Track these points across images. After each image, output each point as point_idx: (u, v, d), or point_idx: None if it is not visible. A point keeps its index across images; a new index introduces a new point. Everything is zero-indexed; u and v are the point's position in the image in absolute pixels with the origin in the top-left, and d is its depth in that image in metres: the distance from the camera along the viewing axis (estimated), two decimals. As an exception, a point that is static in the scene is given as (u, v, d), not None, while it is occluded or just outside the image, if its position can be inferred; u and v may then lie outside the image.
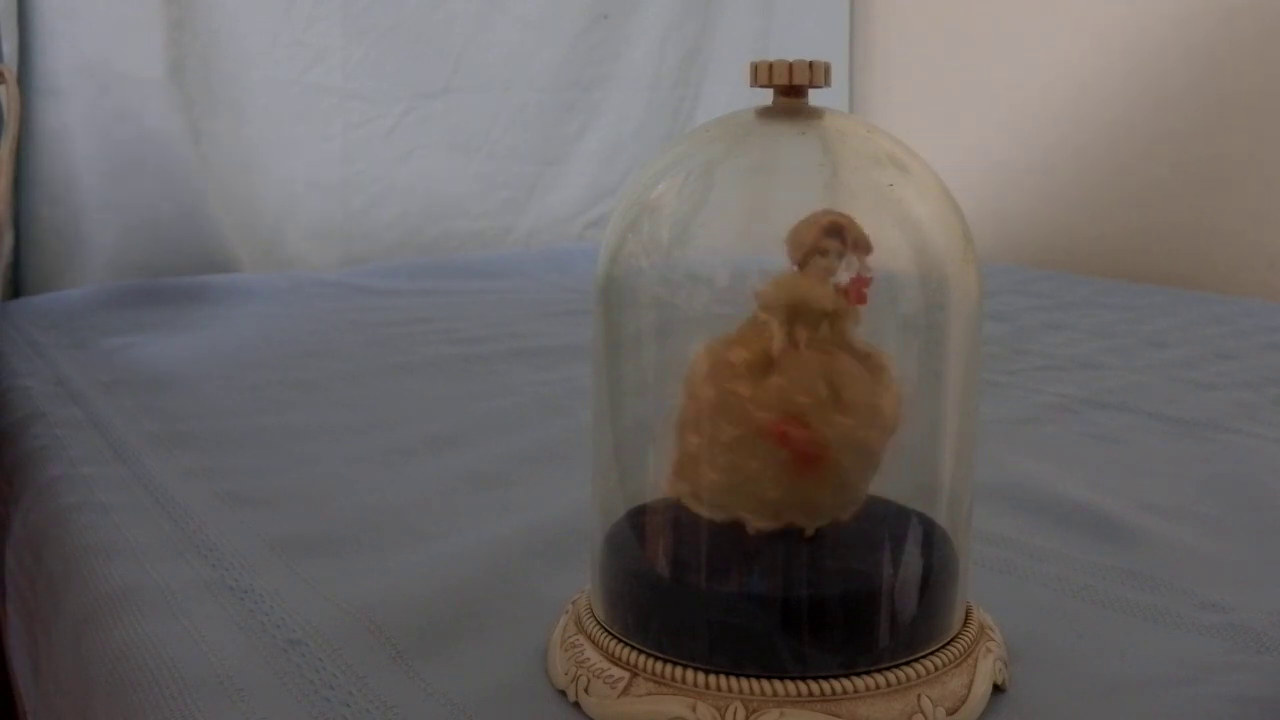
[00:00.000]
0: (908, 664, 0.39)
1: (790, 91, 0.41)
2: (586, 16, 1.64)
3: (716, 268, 0.41)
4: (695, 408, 0.39)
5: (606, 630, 0.41)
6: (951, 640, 0.41)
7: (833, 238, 0.38)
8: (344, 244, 1.51)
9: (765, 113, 0.42)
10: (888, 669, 0.38)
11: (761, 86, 0.41)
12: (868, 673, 0.38)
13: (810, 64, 0.40)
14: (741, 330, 0.39)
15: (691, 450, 0.39)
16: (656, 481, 0.42)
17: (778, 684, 0.37)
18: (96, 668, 0.46)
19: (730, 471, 0.38)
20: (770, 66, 0.40)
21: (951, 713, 0.38)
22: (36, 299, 1.23)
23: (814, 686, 0.37)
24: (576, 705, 0.40)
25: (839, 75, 1.82)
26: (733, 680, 0.38)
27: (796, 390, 0.38)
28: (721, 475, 0.39)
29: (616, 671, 0.39)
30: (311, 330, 1.11)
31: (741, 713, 0.37)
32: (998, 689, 0.41)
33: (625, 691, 0.39)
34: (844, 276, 0.38)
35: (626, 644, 0.40)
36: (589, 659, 0.40)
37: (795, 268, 0.38)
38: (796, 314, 0.38)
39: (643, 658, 0.39)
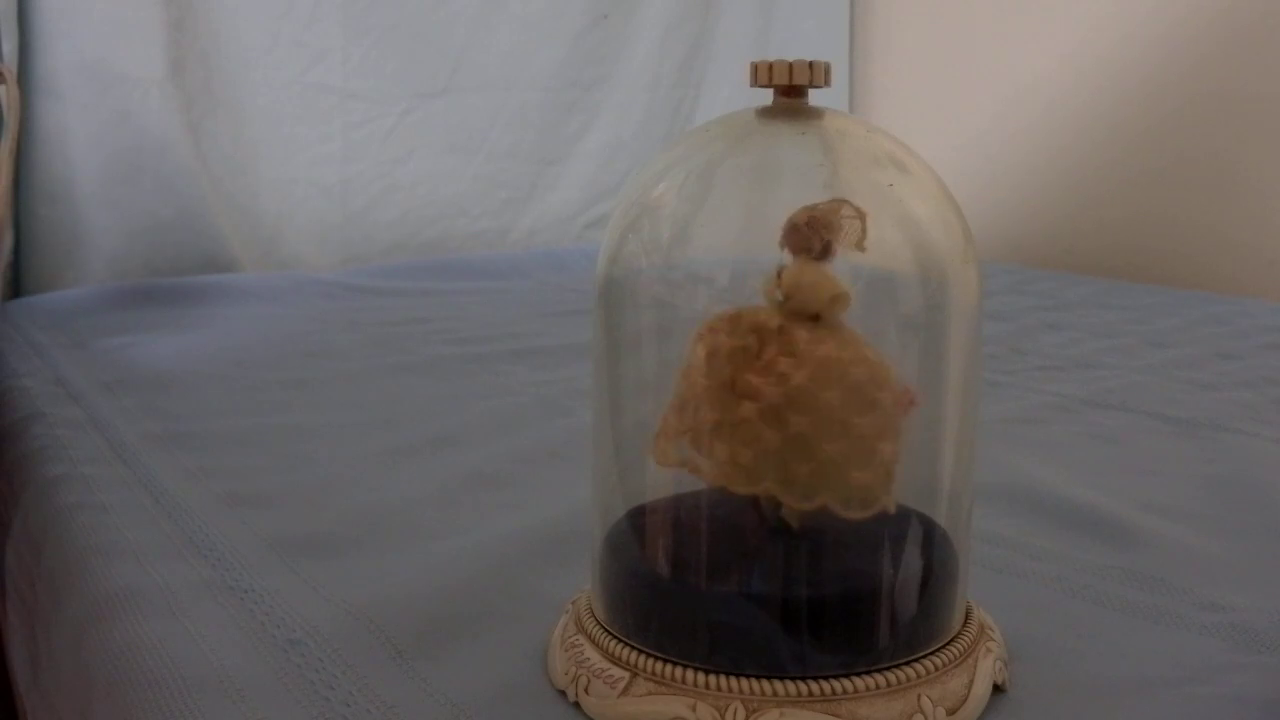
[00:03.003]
0: (908, 664, 0.39)
1: (790, 91, 0.41)
2: (586, 16, 1.64)
3: (716, 268, 0.41)
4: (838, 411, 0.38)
5: (606, 630, 0.41)
6: (951, 640, 0.41)
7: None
8: (344, 244, 1.51)
9: (765, 113, 0.42)
10: (888, 669, 0.38)
11: (761, 86, 0.41)
12: (868, 673, 0.38)
13: (810, 64, 0.40)
14: (793, 332, 0.39)
15: (769, 445, 0.38)
16: (654, 482, 0.42)
17: (778, 684, 0.37)
18: (96, 668, 0.46)
19: (872, 458, 0.39)
20: (770, 66, 0.40)
21: (951, 713, 0.38)
22: (36, 299, 1.23)
23: (814, 686, 0.37)
24: (576, 705, 0.40)
25: (839, 75, 1.82)
26: (733, 680, 0.38)
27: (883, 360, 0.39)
28: (868, 471, 0.39)
29: (616, 671, 0.39)
30: (311, 330, 1.11)
31: (741, 713, 0.37)
32: (998, 689, 0.41)
33: (625, 691, 0.39)
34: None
35: (626, 644, 0.40)
36: (589, 659, 0.40)
37: (805, 255, 0.39)
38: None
39: (643, 658, 0.39)
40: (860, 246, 0.38)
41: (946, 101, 1.73)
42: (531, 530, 0.56)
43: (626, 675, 0.39)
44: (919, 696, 0.38)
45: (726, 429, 0.38)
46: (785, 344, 0.38)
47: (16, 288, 1.29)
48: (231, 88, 1.40)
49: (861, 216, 0.38)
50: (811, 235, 0.38)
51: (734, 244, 0.41)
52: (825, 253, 0.38)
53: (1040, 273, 1.48)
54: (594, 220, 1.68)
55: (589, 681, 0.40)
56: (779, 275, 0.39)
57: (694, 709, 0.37)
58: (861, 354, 0.38)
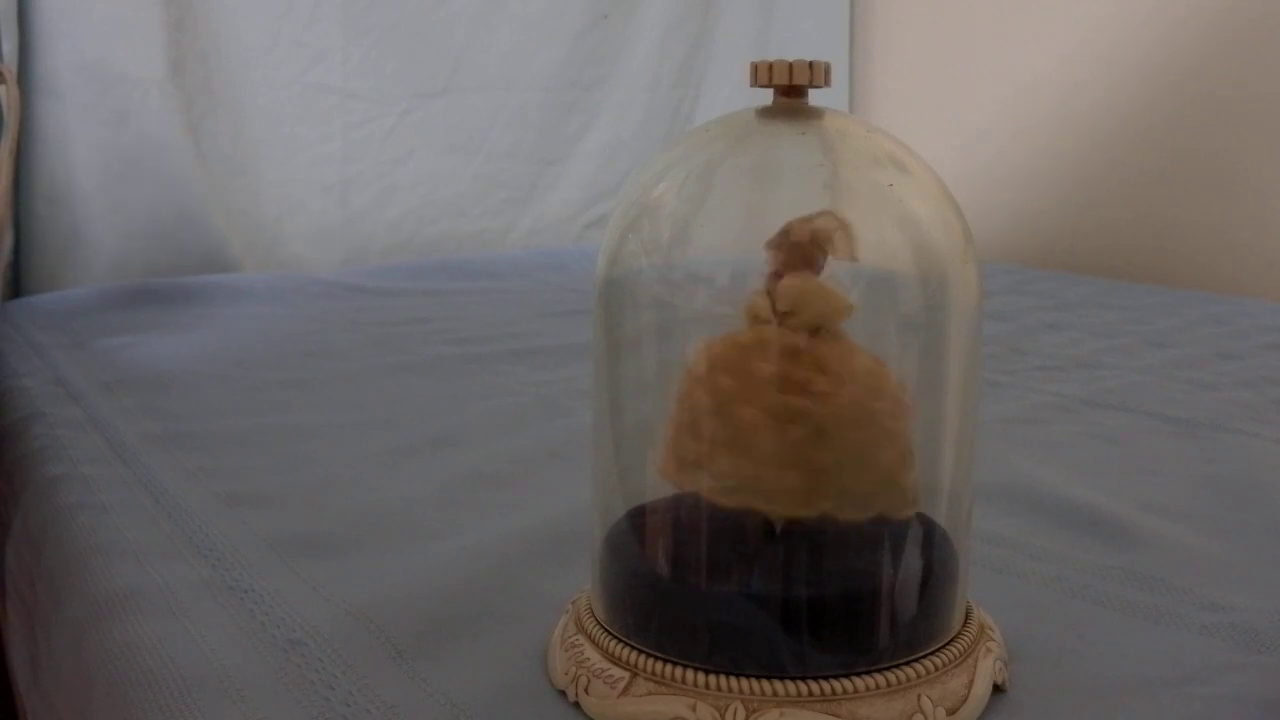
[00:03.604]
0: (908, 664, 0.39)
1: (790, 91, 0.41)
2: (586, 16, 1.64)
3: (716, 268, 0.41)
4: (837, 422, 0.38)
5: (606, 630, 0.41)
6: (951, 640, 0.41)
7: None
8: (344, 244, 1.51)
9: (765, 113, 0.42)
10: (888, 669, 0.38)
11: (761, 86, 0.41)
12: (868, 673, 0.38)
13: (810, 64, 0.40)
14: (791, 348, 0.38)
15: (825, 464, 0.39)
16: (654, 482, 0.42)
17: (778, 684, 0.37)
18: (96, 668, 0.46)
19: (872, 469, 0.39)
20: (770, 66, 0.40)
21: (951, 713, 0.38)
22: (36, 299, 1.23)
23: (814, 686, 0.37)
24: (576, 705, 0.40)
25: (839, 75, 1.82)
26: (733, 680, 0.38)
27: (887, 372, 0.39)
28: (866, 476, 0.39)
29: (616, 671, 0.39)
30: (311, 330, 1.11)
31: (741, 713, 0.37)
32: (998, 689, 0.41)
33: (625, 691, 0.39)
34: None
35: (626, 644, 0.40)
36: (589, 659, 0.40)
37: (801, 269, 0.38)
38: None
39: (643, 658, 0.39)
40: (853, 258, 0.38)
41: (946, 101, 1.73)
42: (531, 530, 0.57)
43: (626, 675, 0.39)
44: (919, 696, 0.38)
45: (788, 452, 0.38)
46: (816, 362, 0.38)
47: (16, 288, 1.29)
48: (231, 88, 1.40)
49: (845, 227, 0.38)
50: (815, 251, 0.38)
51: (734, 244, 0.41)
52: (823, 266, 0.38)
53: (1040, 273, 1.48)
54: (594, 220, 1.68)
55: (589, 681, 0.40)
56: (768, 290, 0.38)
57: (694, 709, 0.37)
58: (866, 363, 0.39)
